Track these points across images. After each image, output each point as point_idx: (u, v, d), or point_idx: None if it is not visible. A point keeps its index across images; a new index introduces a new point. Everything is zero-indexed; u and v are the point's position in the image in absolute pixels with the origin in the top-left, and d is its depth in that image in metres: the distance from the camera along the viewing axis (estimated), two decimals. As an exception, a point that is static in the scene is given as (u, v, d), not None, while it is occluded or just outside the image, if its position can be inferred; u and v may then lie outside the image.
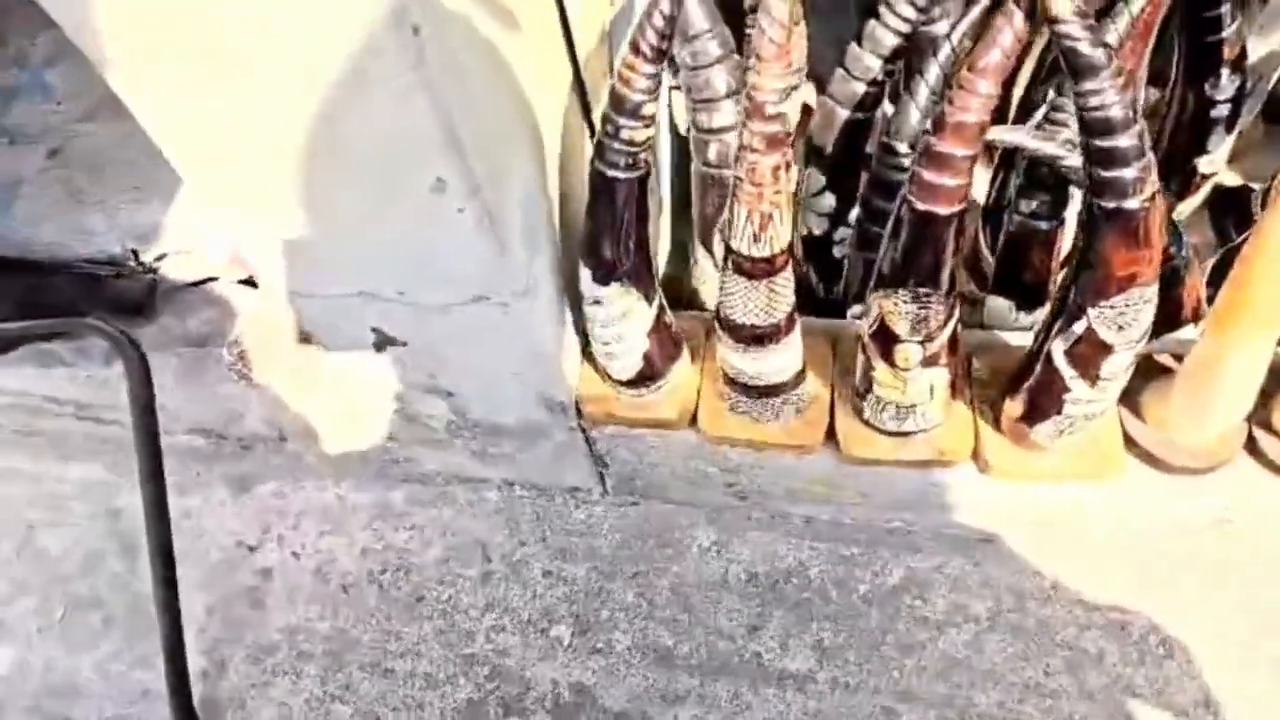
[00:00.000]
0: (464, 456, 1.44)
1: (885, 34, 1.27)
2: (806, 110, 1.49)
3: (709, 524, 1.50)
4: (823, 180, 1.41)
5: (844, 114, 1.33)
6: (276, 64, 0.73)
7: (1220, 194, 1.70)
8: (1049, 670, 1.36)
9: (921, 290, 1.00)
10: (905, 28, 1.26)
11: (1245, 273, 0.97)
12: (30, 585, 1.60)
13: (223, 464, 1.63)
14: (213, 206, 0.94)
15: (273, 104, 0.77)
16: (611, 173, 0.99)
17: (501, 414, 1.30)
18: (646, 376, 1.22)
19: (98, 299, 1.40)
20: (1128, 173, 0.87)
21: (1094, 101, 0.84)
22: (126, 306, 1.38)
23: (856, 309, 1.43)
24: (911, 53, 1.33)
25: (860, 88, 1.31)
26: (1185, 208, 1.68)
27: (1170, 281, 1.29)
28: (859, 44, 1.29)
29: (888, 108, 1.40)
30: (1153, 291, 0.95)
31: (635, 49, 0.92)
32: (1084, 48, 0.82)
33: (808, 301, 1.51)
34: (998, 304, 1.41)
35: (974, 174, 0.94)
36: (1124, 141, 0.86)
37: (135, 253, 1.44)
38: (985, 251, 1.55)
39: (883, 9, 1.26)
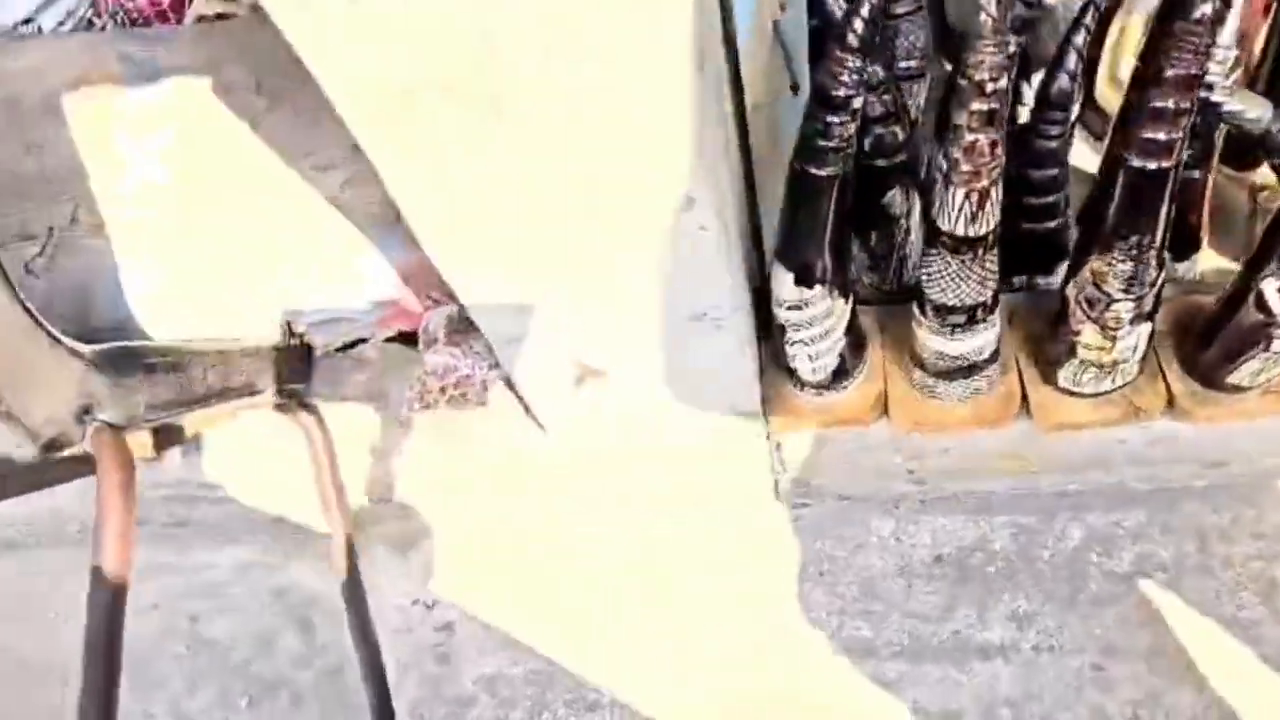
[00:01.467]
0: (639, 464, 1.45)
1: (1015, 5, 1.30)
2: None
3: (884, 514, 1.51)
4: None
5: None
6: (554, 111, 0.75)
7: None
8: (1241, 604, 1.38)
9: (1137, 248, 1.01)
10: (1030, -1, 1.29)
11: None
12: (208, 675, 1.60)
13: (382, 525, 1.63)
14: (450, 265, 0.95)
15: (541, 152, 0.79)
16: (818, 170, 1.00)
17: (691, 432, 1.30)
18: (841, 375, 1.23)
19: (263, 375, 1.40)
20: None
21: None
22: (287, 378, 1.39)
23: (1017, 280, 1.45)
24: (1034, 26, 1.36)
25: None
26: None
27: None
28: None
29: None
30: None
31: (843, 44, 0.93)
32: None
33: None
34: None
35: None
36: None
37: (289, 324, 1.44)
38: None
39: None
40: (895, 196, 1.32)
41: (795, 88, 1.18)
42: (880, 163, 1.29)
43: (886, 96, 1.24)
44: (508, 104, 0.75)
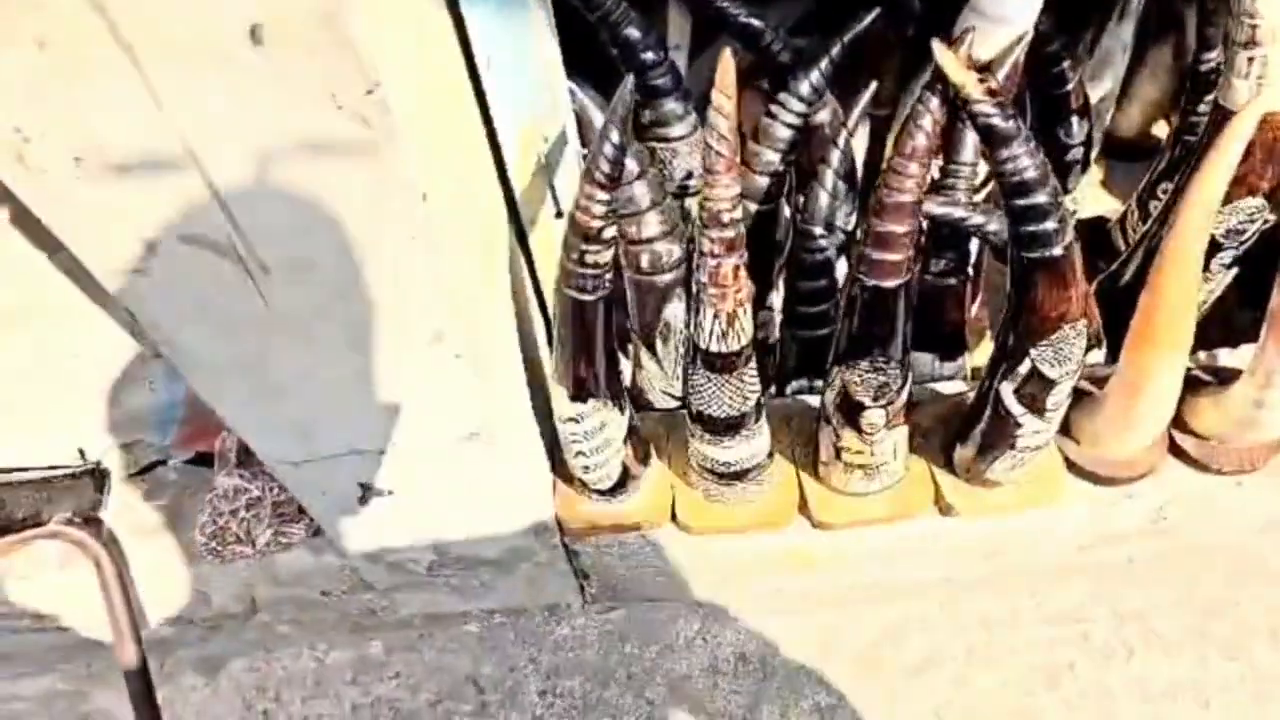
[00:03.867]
0: (443, 594, 1.43)
1: (780, 128, 1.37)
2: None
3: (690, 615, 1.52)
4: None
5: (753, 207, 1.42)
6: (298, 256, 0.75)
7: (1080, 225, 1.87)
8: (1029, 691, 1.43)
9: (880, 359, 1.06)
10: (798, 121, 1.37)
11: (1152, 302, 1.08)
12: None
13: (189, 649, 1.55)
14: (212, 401, 0.93)
15: (295, 298, 0.79)
16: (580, 296, 1.02)
17: (484, 545, 1.29)
18: (624, 482, 1.25)
19: (55, 504, 1.34)
20: (1049, 224, 0.96)
21: (1011, 167, 0.93)
22: (82, 505, 1.33)
23: (796, 384, 1.50)
24: (803, 144, 1.44)
25: (764, 181, 1.40)
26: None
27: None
28: (756, 141, 1.39)
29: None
30: (1082, 325, 1.04)
31: (590, 179, 0.96)
32: (998, 122, 0.91)
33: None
34: (921, 358, 1.50)
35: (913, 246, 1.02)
36: (1041, 198, 0.95)
37: (82, 451, 1.39)
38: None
39: (774, 108, 1.36)
40: (676, 309, 1.36)
41: (559, 213, 1.21)
42: (659, 279, 1.33)
43: (662, 215, 1.29)
44: (258, 253, 0.75)
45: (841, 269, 1.41)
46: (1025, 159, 0.92)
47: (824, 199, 1.33)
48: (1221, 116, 1.23)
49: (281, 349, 0.85)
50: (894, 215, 0.96)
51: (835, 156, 1.33)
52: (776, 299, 1.54)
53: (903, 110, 1.70)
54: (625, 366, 1.53)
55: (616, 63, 1.36)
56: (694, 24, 1.65)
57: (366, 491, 1.13)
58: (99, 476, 1.36)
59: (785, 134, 1.37)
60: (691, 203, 1.53)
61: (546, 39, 1.06)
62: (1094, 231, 1.87)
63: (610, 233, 0.99)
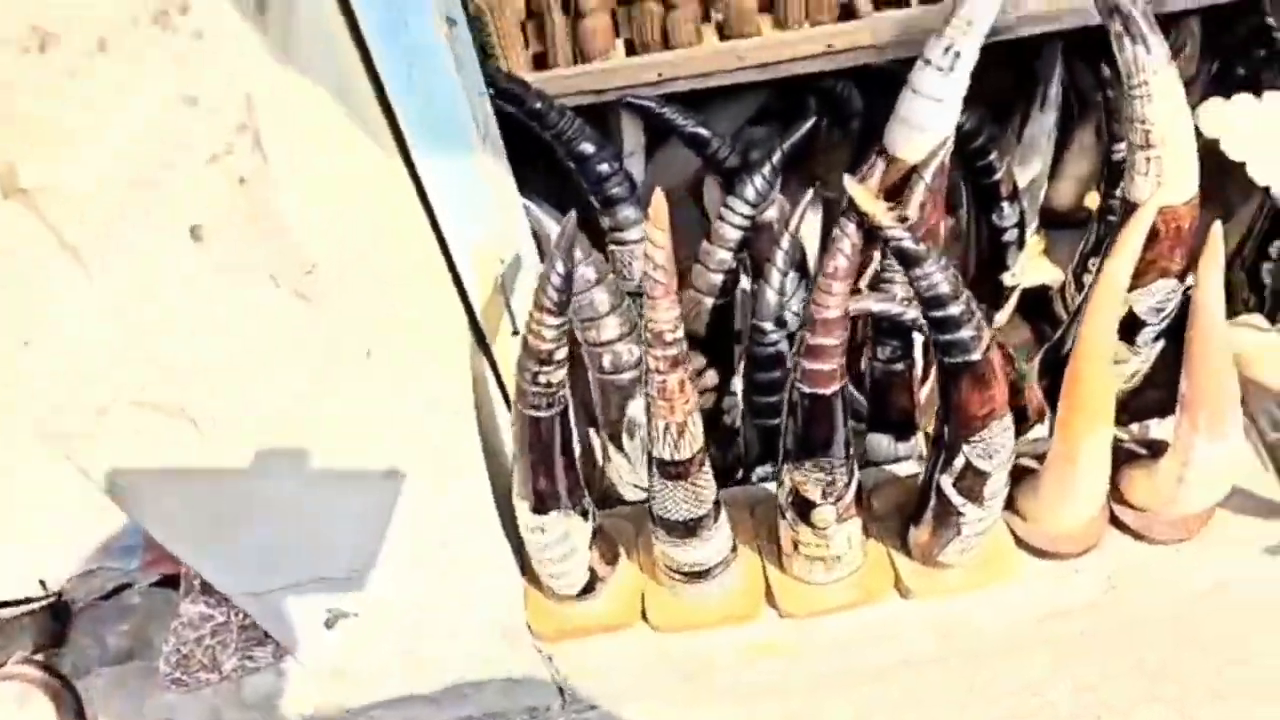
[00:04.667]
0: (420, 706, 1.46)
1: (729, 229, 1.45)
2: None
3: (666, 711, 1.55)
4: (702, 360, 1.56)
5: (709, 301, 1.50)
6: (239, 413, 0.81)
7: (1025, 295, 1.96)
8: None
9: (824, 460, 1.13)
10: (745, 222, 1.45)
11: (1074, 380, 1.16)
12: None
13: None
14: (169, 544, 0.98)
15: (240, 446, 0.85)
16: (535, 414, 1.09)
17: (458, 656, 1.33)
18: (592, 585, 1.30)
19: (15, 641, 1.36)
20: (965, 333, 1.04)
21: (925, 283, 1.02)
22: (43, 640, 1.36)
23: (761, 471, 1.56)
24: (753, 240, 1.52)
25: (718, 278, 1.48)
26: (1001, 317, 1.92)
27: (1011, 395, 1.48)
28: (709, 240, 1.47)
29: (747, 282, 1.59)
30: (1009, 419, 1.11)
31: (540, 306, 1.03)
32: (908, 244, 1.00)
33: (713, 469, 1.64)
34: (877, 440, 1.57)
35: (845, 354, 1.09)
36: (955, 309, 1.03)
37: (43, 582, 1.42)
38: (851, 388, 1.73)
39: (724, 210, 1.45)
40: (639, 405, 1.42)
41: (516, 331, 1.28)
42: (621, 378, 1.40)
43: (621, 318, 1.36)
44: (209, 410, 0.81)
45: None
46: (937, 275, 1.00)
47: (771, 296, 1.41)
48: (1127, 209, 1.32)
49: (235, 491, 0.91)
50: (824, 329, 1.04)
51: (780, 256, 1.41)
52: (740, 384, 1.61)
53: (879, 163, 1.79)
54: (599, 456, 1.59)
55: (573, 176, 1.45)
56: (646, 129, 1.74)
57: (333, 616, 1.17)
58: (60, 610, 1.39)
59: (734, 234, 1.46)
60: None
61: (496, 168, 1.14)
62: (1037, 301, 1.96)
63: (562, 354, 1.06)
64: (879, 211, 0.99)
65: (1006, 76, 1.82)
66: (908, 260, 1.00)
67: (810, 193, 1.46)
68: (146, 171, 0.60)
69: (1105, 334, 1.13)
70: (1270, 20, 1.60)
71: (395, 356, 0.86)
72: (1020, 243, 1.77)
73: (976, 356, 1.05)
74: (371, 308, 0.81)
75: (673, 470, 1.12)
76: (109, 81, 0.56)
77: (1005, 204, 1.69)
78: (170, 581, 1.40)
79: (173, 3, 0.55)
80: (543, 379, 1.06)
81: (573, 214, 1.05)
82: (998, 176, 1.65)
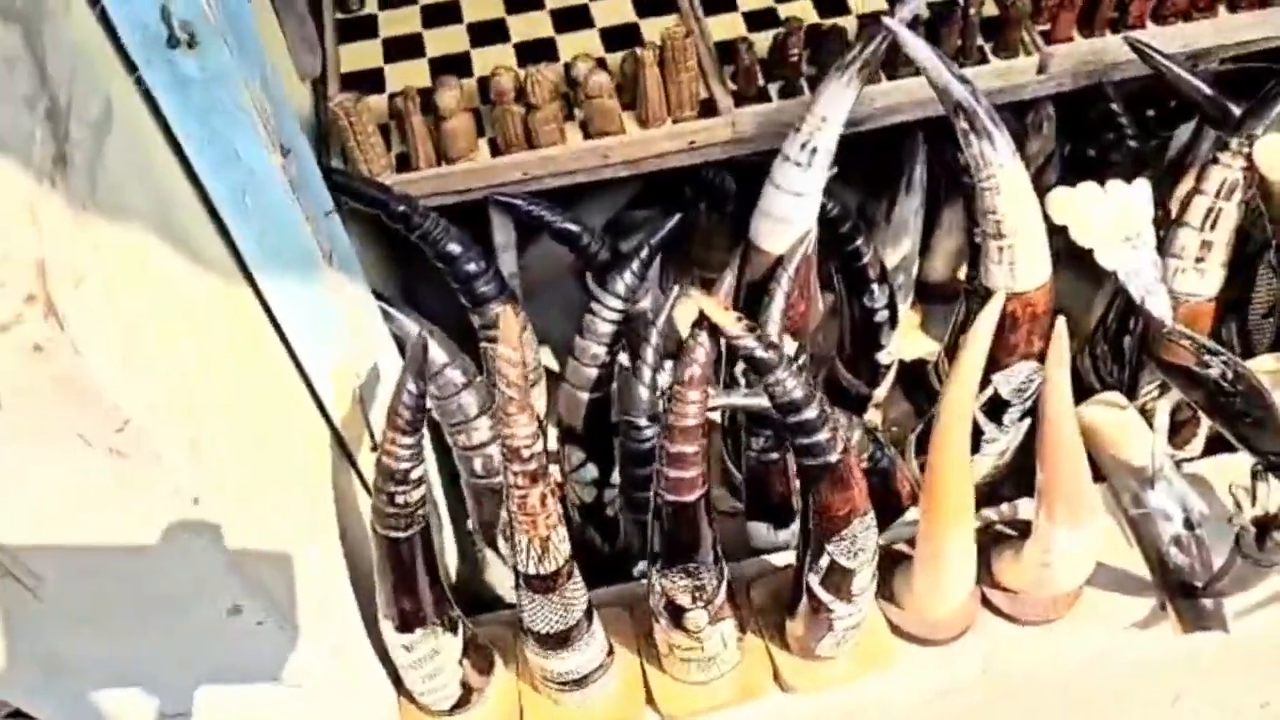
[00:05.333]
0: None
1: (601, 324, 1.47)
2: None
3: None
4: (582, 454, 1.56)
5: (584, 396, 1.50)
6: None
7: (903, 369, 2.01)
8: None
9: (692, 565, 1.13)
10: (617, 315, 1.47)
11: (933, 478, 1.19)
12: None
13: None
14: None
15: (69, 598, 0.82)
16: (394, 534, 1.07)
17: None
18: (467, 698, 1.27)
19: None
20: (821, 436, 1.06)
21: (778, 390, 1.04)
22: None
23: (641, 565, 1.56)
24: (627, 331, 1.53)
25: (592, 372, 1.49)
26: (880, 393, 1.97)
27: (884, 481, 1.52)
28: (582, 336, 1.48)
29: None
30: (871, 519, 1.13)
31: (394, 425, 1.03)
32: (758, 353, 1.02)
33: (595, 561, 1.63)
34: (756, 527, 1.59)
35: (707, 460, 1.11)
36: (810, 414, 1.05)
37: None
38: (732, 468, 1.75)
39: (595, 305, 1.46)
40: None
41: (374, 447, 1.26)
42: (494, 481, 1.39)
43: (492, 420, 1.36)
44: (31, 568, 0.78)
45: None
46: (790, 381, 1.02)
47: (643, 391, 1.42)
48: (984, 295, 1.37)
49: (69, 639, 0.87)
50: (683, 437, 1.05)
51: (649, 352, 1.42)
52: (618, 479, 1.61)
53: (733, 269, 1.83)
54: (451, 564, 1.57)
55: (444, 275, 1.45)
56: (517, 224, 1.75)
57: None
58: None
59: (607, 329, 1.47)
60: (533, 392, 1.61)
61: (347, 285, 1.13)
62: (915, 375, 2.01)
63: (418, 472, 1.05)
64: (728, 322, 1.01)
65: (873, 160, 1.89)
66: (759, 368, 1.03)
67: (676, 289, 1.48)
68: (-71, 346, 0.58)
69: (959, 434, 1.16)
70: (1114, 106, 1.70)
71: (237, 494, 0.84)
72: (893, 322, 1.82)
73: (834, 458, 1.07)
74: (206, 450, 0.79)
75: (539, 584, 1.11)
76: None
77: (875, 286, 1.75)
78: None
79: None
80: (400, 499, 1.05)
81: (422, 333, 1.05)
82: (865, 260, 1.71)
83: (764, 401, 1.36)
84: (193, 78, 0.81)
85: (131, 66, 0.79)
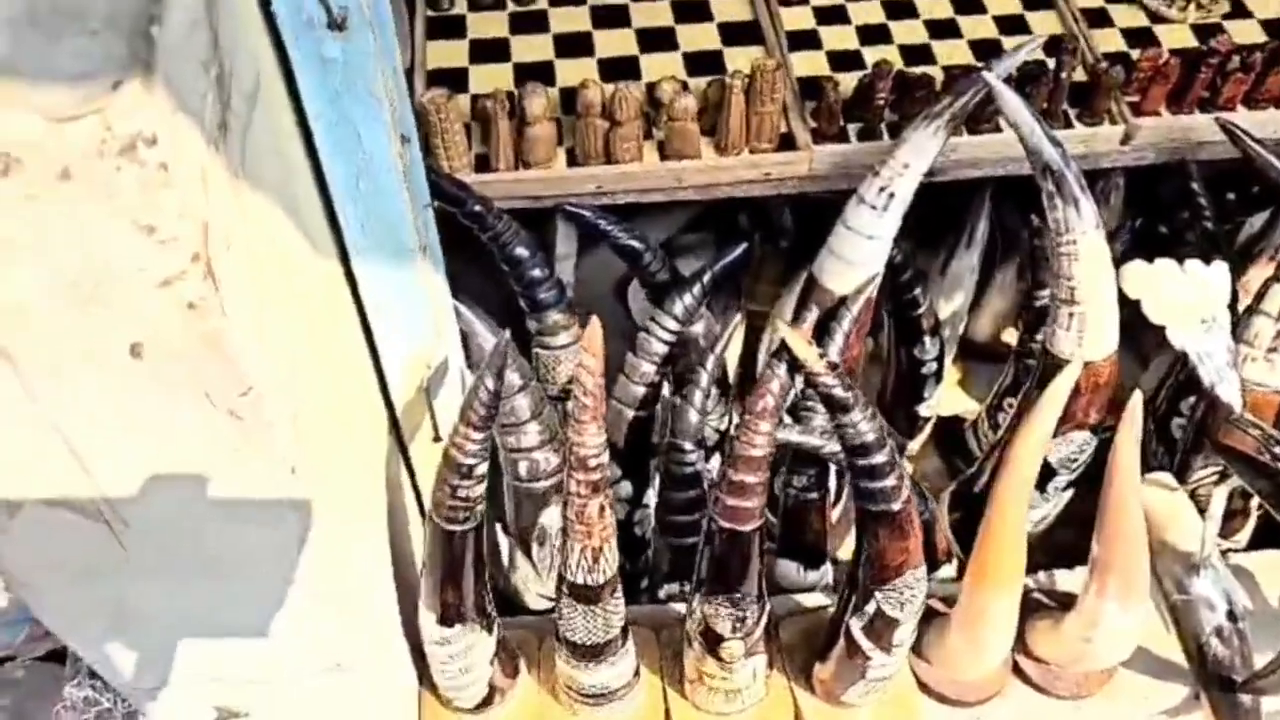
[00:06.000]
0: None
1: (655, 343, 1.50)
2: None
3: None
4: (619, 471, 1.59)
5: (630, 413, 1.53)
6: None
7: (939, 424, 2.04)
8: None
9: (737, 595, 1.16)
10: (671, 337, 1.50)
11: (987, 545, 1.21)
12: None
13: None
14: (64, 636, 0.96)
15: (150, 547, 0.85)
16: (450, 527, 1.10)
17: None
18: (490, 698, 1.30)
19: None
20: (888, 482, 1.09)
21: (851, 431, 1.07)
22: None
23: (669, 588, 1.59)
24: (678, 356, 1.57)
25: (640, 390, 1.52)
26: (914, 445, 2.00)
27: (925, 535, 1.54)
28: (634, 353, 1.52)
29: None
30: (923, 570, 1.16)
31: (466, 420, 1.06)
32: (837, 392, 1.05)
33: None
34: (786, 566, 1.61)
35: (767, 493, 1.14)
36: (879, 459, 1.08)
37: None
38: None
39: (650, 324, 1.50)
40: (553, 514, 1.45)
41: (437, 438, 1.29)
42: (537, 485, 1.42)
43: (541, 425, 1.39)
44: (121, 514, 0.81)
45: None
46: (864, 424, 1.05)
47: (693, 416, 1.45)
48: (1050, 361, 1.41)
49: (139, 590, 0.90)
50: (747, 467, 1.08)
51: (704, 377, 1.46)
52: (653, 497, 1.64)
53: (776, 314, 1.86)
54: (505, 561, 1.60)
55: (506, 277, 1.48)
56: (579, 235, 1.79)
57: (223, 715, 1.15)
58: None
59: (660, 349, 1.51)
60: (570, 405, 1.64)
61: (432, 278, 1.16)
62: (950, 432, 2.04)
63: (482, 468, 1.08)
64: (812, 358, 1.04)
65: (932, 211, 1.93)
66: (835, 406, 1.06)
67: (739, 316, 1.52)
68: (96, 291, 0.61)
69: (1020, 498, 1.19)
70: (1195, 185, 1.73)
71: (318, 471, 0.87)
72: (939, 376, 1.86)
73: (897, 507, 1.10)
74: (301, 424, 0.82)
75: (584, 594, 1.14)
76: (67, 207, 0.57)
77: (927, 338, 1.78)
78: (56, 656, 1.36)
79: (141, 134, 0.57)
80: (461, 493, 1.08)
81: (506, 333, 1.08)
82: (921, 311, 1.75)
83: (816, 440, 1.40)
84: (335, 59, 0.85)
85: (279, 43, 0.83)
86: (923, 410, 1.92)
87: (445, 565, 1.13)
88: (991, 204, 1.90)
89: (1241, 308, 1.51)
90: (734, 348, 2.04)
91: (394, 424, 1.25)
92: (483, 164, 1.52)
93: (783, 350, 1.06)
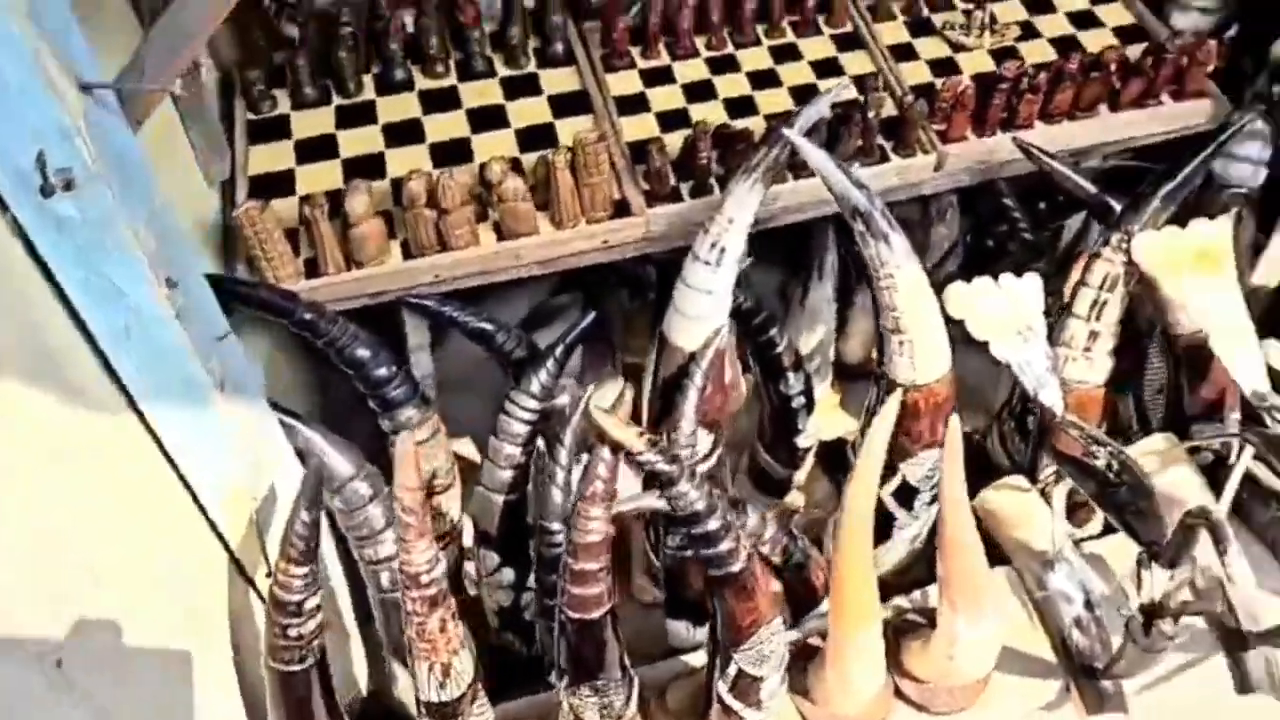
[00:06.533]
0: None
1: (515, 424, 1.44)
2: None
3: None
4: (497, 558, 1.52)
5: (499, 499, 1.47)
6: None
7: (824, 448, 2.01)
8: None
9: (599, 682, 1.10)
10: (532, 415, 1.44)
11: (838, 583, 1.18)
12: None
13: None
14: None
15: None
16: (289, 669, 1.02)
17: None
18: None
19: None
20: (723, 547, 1.05)
21: (681, 503, 1.02)
22: None
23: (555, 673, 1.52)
24: (546, 430, 1.51)
25: (507, 474, 1.46)
26: (800, 475, 1.97)
27: (800, 575, 1.50)
28: (496, 436, 1.45)
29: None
30: (778, 623, 1.12)
31: (286, 555, 0.99)
32: (660, 467, 1.01)
33: (515, 665, 1.58)
34: (675, 625, 1.56)
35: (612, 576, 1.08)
36: (712, 525, 1.04)
37: None
38: (654, 559, 1.72)
39: (509, 404, 1.44)
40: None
41: (270, 573, 1.22)
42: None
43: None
44: None
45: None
46: (692, 494, 1.01)
47: (556, 495, 1.39)
48: (891, 387, 1.38)
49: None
50: (587, 554, 1.03)
51: (563, 453, 1.40)
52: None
53: (650, 361, 1.82)
54: (361, 679, 1.51)
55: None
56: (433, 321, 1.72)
57: None
58: None
59: (521, 429, 1.45)
60: (439, 499, 1.57)
61: (241, 408, 1.09)
62: (835, 455, 2.01)
63: (314, 603, 1.01)
64: (629, 439, 0.99)
65: (793, 244, 1.91)
66: (660, 482, 1.01)
67: (591, 388, 1.47)
68: None
69: (862, 538, 1.16)
70: (1007, 200, 1.74)
71: (129, 619, 0.79)
72: (809, 407, 1.82)
73: (737, 568, 1.06)
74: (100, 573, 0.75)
75: (442, 712, 1.07)
76: None
77: (790, 373, 1.75)
78: None
79: None
80: (293, 631, 1.01)
81: (316, 461, 1.01)
82: (780, 349, 1.71)
83: (659, 504, 1.35)
84: (71, 218, 0.78)
85: (3, 205, 0.76)
86: (801, 441, 1.88)
87: (289, 706, 1.05)
88: (842, 232, 1.89)
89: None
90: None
91: (235, 561, 1.17)
92: (314, 268, 1.45)
93: (603, 434, 1.02)
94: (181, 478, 1.02)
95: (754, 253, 1.65)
